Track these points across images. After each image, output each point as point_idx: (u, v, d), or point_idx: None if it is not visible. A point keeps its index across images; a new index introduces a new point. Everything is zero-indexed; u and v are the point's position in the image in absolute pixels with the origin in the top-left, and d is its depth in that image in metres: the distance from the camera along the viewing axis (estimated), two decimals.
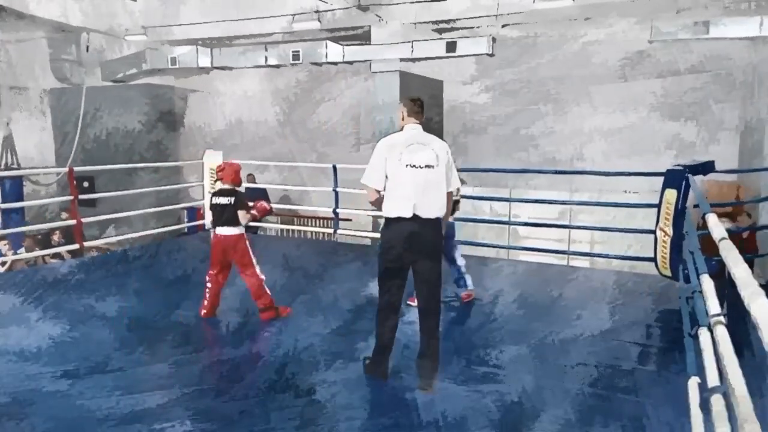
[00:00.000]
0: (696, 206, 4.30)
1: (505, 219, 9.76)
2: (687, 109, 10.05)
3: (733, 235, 3.53)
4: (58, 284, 6.17)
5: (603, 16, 9.26)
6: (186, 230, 9.98)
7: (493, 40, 9.67)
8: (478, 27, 10.04)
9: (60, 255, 8.60)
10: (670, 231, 4.93)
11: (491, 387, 3.66)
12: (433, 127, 10.68)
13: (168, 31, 11.59)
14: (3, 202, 10.74)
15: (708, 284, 2.70)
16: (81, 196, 7.36)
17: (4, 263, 8.41)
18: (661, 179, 5.24)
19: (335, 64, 11.07)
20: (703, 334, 2.59)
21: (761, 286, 1.59)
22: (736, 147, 9.46)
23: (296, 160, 12.00)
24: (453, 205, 3.97)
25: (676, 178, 4.94)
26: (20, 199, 11.11)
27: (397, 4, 9.76)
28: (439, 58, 10.22)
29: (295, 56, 10.84)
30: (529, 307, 5.41)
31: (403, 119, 3.63)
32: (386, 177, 3.46)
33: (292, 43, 11.05)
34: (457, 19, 9.85)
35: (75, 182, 7.25)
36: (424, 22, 10.02)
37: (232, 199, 4.88)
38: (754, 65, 9.15)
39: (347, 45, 10.64)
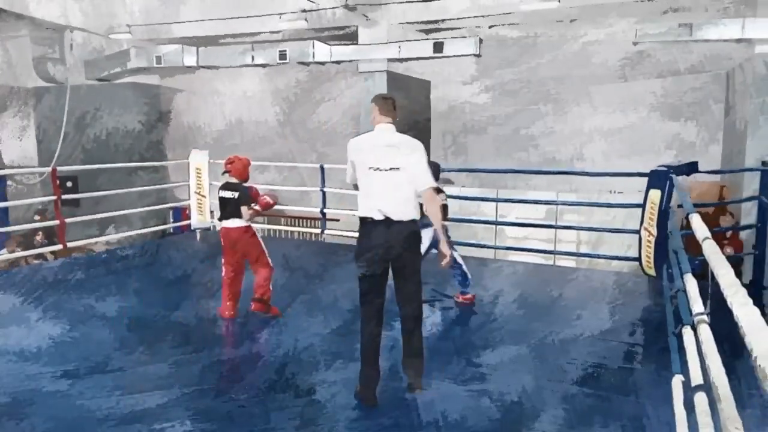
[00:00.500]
0: (680, 206, 4.32)
1: (500, 219, 9.80)
2: (687, 109, 10.04)
3: (717, 235, 3.55)
4: (58, 284, 6.18)
5: (590, 17, 9.28)
6: (171, 230, 9.93)
7: (480, 40, 9.68)
8: (464, 27, 10.05)
9: (43, 256, 8.53)
10: (654, 231, 4.97)
11: (492, 387, 3.66)
12: (420, 128, 10.76)
13: (153, 29, 11.52)
14: None
15: (691, 283, 2.71)
16: (64, 196, 7.29)
17: None
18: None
19: (322, 63, 11.05)
20: (687, 333, 2.61)
21: (744, 285, 1.60)
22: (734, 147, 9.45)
23: (296, 160, 11.98)
24: (442, 209, 3.78)
25: (660, 179, 4.98)
26: (3, 199, 11.02)
27: (385, 4, 9.77)
28: (427, 59, 10.24)
29: (282, 56, 10.77)
30: (529, 307, 5.41)
31: (374, 119, 3.51)
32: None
33: (279, 42, 11.04)
34: (444, 20, 9.86)
35: (58, 182, 7.16)
36: (412, 23, 10.04)
37: (236, 194, 4.90)
38: (736, 66, 9.21)
39: (335, 45, 10.65)
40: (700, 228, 2.58)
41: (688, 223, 2.92)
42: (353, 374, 3.64)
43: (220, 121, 13.43)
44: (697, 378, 2.20)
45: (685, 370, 2.48)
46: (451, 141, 11.45)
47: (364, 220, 3.36)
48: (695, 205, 3.41)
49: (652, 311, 5.23)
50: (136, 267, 7.14)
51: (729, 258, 2.02)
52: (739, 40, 8.15)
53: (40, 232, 9.38)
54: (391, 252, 3.31)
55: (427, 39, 10.19)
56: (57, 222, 7.00)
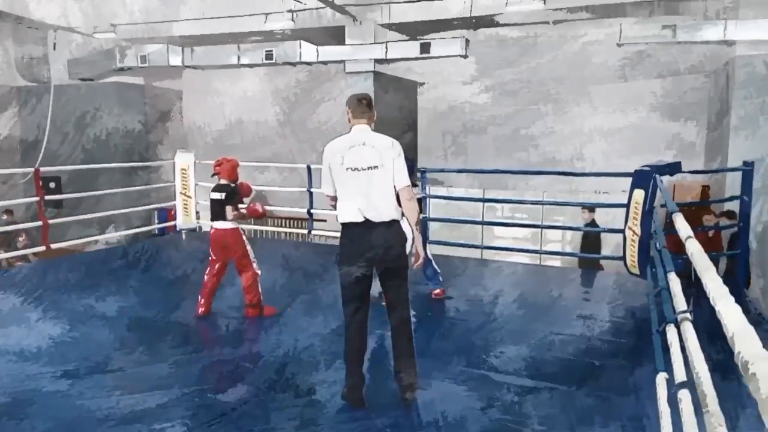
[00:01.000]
0: (663, 206, 4.34)
1: (491, 219, 9.89)
2: (687, 109, 10.05)
3: (699, 234, 3.57)
4: (58, 283, 6.17)
5: (573, 19, 9.31)
6: (156, 231, 9.91)
7: (467, 41, 9.71)
8: (453, 27, 10.07)
9: (26, 257, 8.44)
10: (638, 230, 5.00)
11: (492, 387, 3.66)
12: (406, 128, 10.80)
13: (138, 28, 11.49)
14: None
15: (675, 282, 2.72)
16: (47, 197, 7.26)
17: None
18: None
19: (309, 64, 11.07)
20: (671, 331, 2.62)
21: (725, 283, 1.63)
22: (736, 147, 9.48)
23: (296, 160, 11.98)
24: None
25: (643, 179, 5.01)
26: None
27: (371, 4, 9.79)
28: (413, 59, 10.26)
29: (269, 56, 10.80)
30: (529, 307, 5.42)
31: (349, 120, 3.46)
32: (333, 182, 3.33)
33: (265, 43, 11.04)
34: (431, 21, 9.89)
35: (41, 183, 7.12)
36: (399, 23, 10.06)
37: (224, 195, 4.94)
38: (719, 68, 9.27)
39: (321, 45, 10.68)
40: (683, 228, 2.60)
41: (672, 222, 2.94)
42: None
43: (220, 122, 13.43)
44: (680, 375, 2.22)
45: (669, 368, 2.49)
46: (451, 141, 11.46)
47: (345, 225, 3.32)
48: (678, 205, 3.43)
49: (650, 311, 5.23)
50: (122, 268, 7.10)
51: (711, 256, 2.06)
52: (720, 42, 8.23)
53: (23, 233, 9.32)
54: (376, 255, 3.26)
55: (415, 40, 10.22)
56: (40, 223, 6.91)
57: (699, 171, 8.18)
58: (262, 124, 13.16)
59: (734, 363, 1.09)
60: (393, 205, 3.31)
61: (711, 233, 6.92)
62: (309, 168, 8.14)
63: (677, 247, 2.74)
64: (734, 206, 5.98)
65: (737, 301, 1.42)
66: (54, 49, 12.08)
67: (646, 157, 6.76)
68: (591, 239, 8.39)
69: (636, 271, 5.24)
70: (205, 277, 5.08)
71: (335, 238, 9.15)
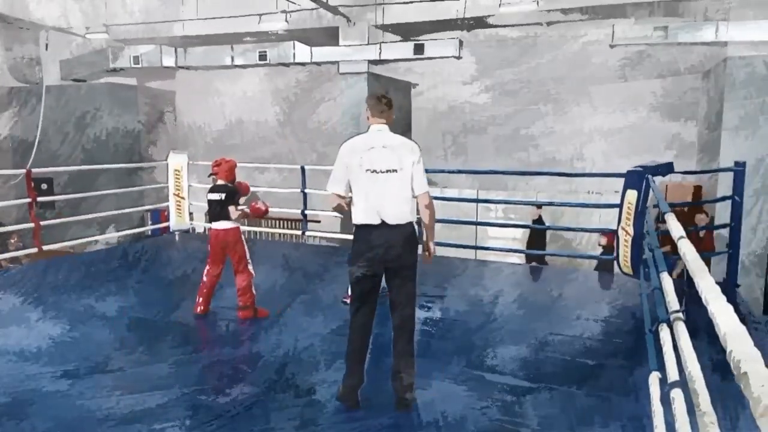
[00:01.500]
0: (656, 206, 4.36)
1: (488, 220, 9.91)
2: (687, 109, 10.06)
3: (691, 234, 3.60)
4: (56, 283, 6.18)
5: (567, 20, 9.33)
6: (150, 232, 9.91)
7: (461, 42, 9.73)
8: (448, 30, 10.09)
9: (18, 259, 8.38)
10: (631, 230, 5.01)
11: (492, 387, 3.66)
12: (402, 129, 10.79)
13: (132, 29, 11.49)
14: None
15: (667, 281, 2.73)
16: (39, 199, 7.21)
17: None
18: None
19: (303, 64, 11.09)
20: (663, 330, 2.63)
21: (718, 283, 1.64)
22: (734, 147, 9.50)
23: (296, 160, 11.99)
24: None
25: (636, 179, 5.02)
26: None
27: (366, 5, 9.81)
28: (407, 60, 10.29)
29: (262, 57, 10.81)
30: (528, 307, 5.42)
31: (368, 119, 3.41)
32: (349, 183, 3.30)
33: (260, 43, 11.05)
34: (426, 22, 9.91)
35: (33, 184, 7.07)
36: (393, 24, 10.09)
37: (223, 195, 4.95)
38: (712, 68, 9.30)
39: (316, 46, 10.70)
40: (675, 228, 2.61)
41: (664, 222, 2.95)
42: None
43: (220, 122, 13.44)
44: (673, 374, 2.23)
45: (662, 367, 2.50)
46: (451, 141, 11.47)
47: (360, 226, 3.30)
48: (671, 205, 3.44)
49: (644, 311, 5.23)
50: (120, 269, 7.10)
51: (702, 256, 2.08)
52: (715, 43, 8.26)
53: (15, 235, 9.29)
54: (389, 256, 3.26)
55: (409, 41, 10.25)
56: (32, 224, 6.86)
57: (690, 171, 8.21)
58: (262, 124, 13.18)
59: (727, 362, 1.10)
60: (409, 209, 3.32)
61: (702, 233, 6.94)
62: (303, 169, 8.14)
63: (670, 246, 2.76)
64: (726, 207, 5.97)
65: (729, 300, 1.43)
66: (46, 49, 12.06)
67: (645, 158, 6.79)
68: (537, 236, 9.11)
69: (629, 271, 5.25)
70: (204, 277, 5.08)
71: (329, 239, 9.18)
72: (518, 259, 9.63)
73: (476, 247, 8.59)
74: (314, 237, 9.01)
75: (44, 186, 11.78)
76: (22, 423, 3.20)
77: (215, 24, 10.69)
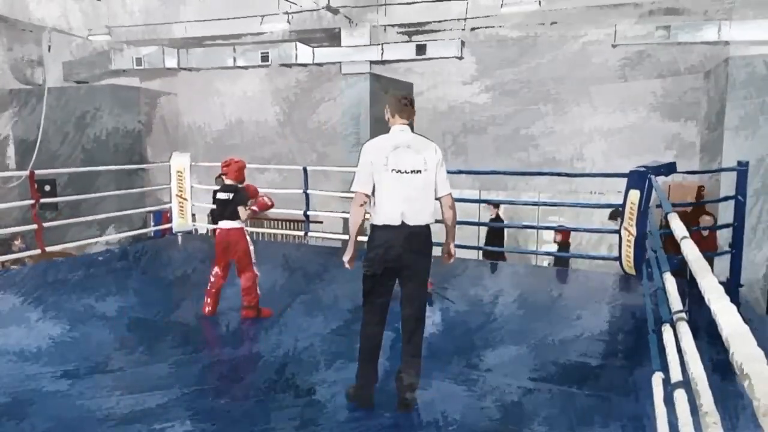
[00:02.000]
0: (659, 206, 4.35)
1: (491, 222, 9.90)
2: (687, 109, 10.06)
3: (694, 234, 3.59)
4: (57, 284, 6.18)
5: (569, 20, 9.32)
6: (152, 234, 9.90)
7: (462, 43, 9.74)
8: (450, 29, 10.08)
9: (21, 260, 8.38)
10: (634, 230, 5.01)
11: (492, 387, 3.66)
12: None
13: (134, 31, 11.48)
14: None
15: (670, 282, 2.72)
16: (42, 200, 7.20)
17: None
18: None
19: (305, 65, 11.09)
20: (666, 331, 2.63)
21: (721, 283, 1.64)
22: (734, 147, 9.51)
23: (296, 160, 12.00)
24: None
25: (639, 179, 5.02)
26: None
27: (368, 6, 9.82)
28: (409, 61, 10.31)
29: (264, 58, 10.82)
30: (529, 307, 5.42)
31: (389, 120, 3.40)
32: (373, 182, 3.26)
33: (261, 44, 11.04)
34: (427, 22, 9.92)
35: (36, 186, 7.08)
36: (394, 25, 10.10)
37: (231, 195, 4.96)
38: (713, 68, 9.30)
39: (317, 47, 10.70)
40: (678, 227, 2.61)
41: (667, 222, 2.95)
42: (353, 374, 3.63)
43: (220, 122, 13.44)
44: (676, 375, 2.23)
45: (665, 368, 2.50)
46: (451, 141, 11.46)
47: (379, 226, 3.28)
48: (674, 205, 3.44)
49: (647, 311, 5.24)
50: (121, 269, 7.11)
51: (705, 256, 2.08)
52: (717, 43, 8.26)
53: (19, 237, 9.29)
54: (405, 257, 3.25)
55: (411, 41, 10.25)
56: (35, 226, 6.85)
57: (693, 171, 8.23)
58: (262, 124, 13.17)
59: (730, 363, 1.10)
60: (431, 210, 3.32)
61: (706, 233, 6.95)
62: (305, 170, 8.14)
63: (673, 246, 2.75)
64: (729, 206, 5.97)
65: (732, 300, 1.43)
66: (49, 51, 12.05)
67: (646, 158, 6.77)
68: (495, 233, 9.27)
69: (632, 271, 5.25)
70: (211, 277, 5.07)
71: (331, 239, 9.19)
72: (518, 259, 9.67)
73: (477, 248, 8.60)
74: (317, 238, 8.99)
75: (47, 188, 11.77)
76: (22, 423, 3.19)
77: (217, 25, 10.69)
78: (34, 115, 12.11)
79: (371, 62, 10.33)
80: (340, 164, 9.86)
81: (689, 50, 9.38)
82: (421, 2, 9.47)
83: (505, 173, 9.03)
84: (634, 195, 5.05)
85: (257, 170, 10.45)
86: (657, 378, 2.76)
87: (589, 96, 10.65)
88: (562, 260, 8.39)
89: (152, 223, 11.30)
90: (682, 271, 4.09)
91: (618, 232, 5.45)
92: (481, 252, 8.45)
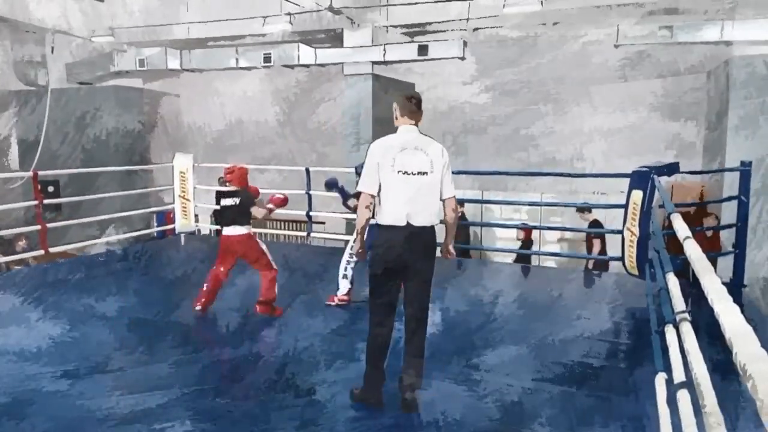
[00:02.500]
0: (661, 206, 4.36)
1: (493, 221, 9.95)
2: (687, 109, 10.05)
3: (698, 235, 3.59)
4: (58, 284, 6.18)
5: (570, 20, 9.32)
6: (155, 234, 9.91)
7: (465, 43, 9.74)
8: (451, 30, 10.07)
9: (25, 261, 8.33)
10: (636, 231, 5.01)
11: (492, 387, 3.66)
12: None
13: (137, 32, 11.47)
14: None
15: (673, 282, 2.72)
16: (46, 201, 7.21)
17: None
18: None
19: (307, 66, 11.09)
20: (670, 331, 2.63)
21: (724, 283, 1.64)
22: (734, 147, 9.52)
23: (296, 160, 12.00)
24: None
25: (641, 180, 5.02)
26: None
27: (370, 7, 9.82)
28: (411, 61, 10.31)
29: (267, 59, 10.82)
30: (528, 307, 5.42)
31: (396, 119, 3.39)
32: (379, 182, 3.26)
33: (263, 45, 11.04)
34: (429, 23, 9.91)
35: (39, 186, 7.07)
36: (396, 25, 10.10)
37: (238, 200, 4.96)
38: (713, 69, 9.30)
39: (319, 47, 10.70)
40: (681, 228, 2.61)
41: (670, 223, 2.95)
42: (353, 374, 3.64)
43: (220, 122, 13.43)
44: (679, 375, 2.23)
45: (668, 368, 2.50)
46: (451, 141, 11.45)
47: (385, 227, 3.28)
48: (676, 205, 3.44)
49: (649, 312, 5.23)
50: (122, 270, 7.11)
51: (709, 256, 2.08)
52: (719, 42, 8.26)
53: (24, 238, 9.29)
54: (410, 257, 3.26)
55: (413, 42, 10.25)
56: (38, 227, 6.85)
57: (696, 171, 8.24)
58: (262, 124, 13.17)
59: (733, 363, 1.10)
60: (436, 212, 3.33)
61: (710, 234, 6.96)
62: (308, 170, 8.14)
63: (676, 247, 2.75)
64: (732, 206, 5.98)
65: (735, 300, 1.43)
66: (52, 52, 12.05)
67: (646, 158, 6.78)
68: (460, 233, 9.26)
69: (635, 271, 5.26)
70: (211, 274, 5.06)
71: (334, 240, 9.20)
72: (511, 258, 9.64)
73: (477, 248, 8.61)
74: (319, 238, 8.99)
75: (51, 188, 11.78)
76: (22, 423, 3.19)
77: (219, 26, 10.69)
78: (36, 116, 12.12)
79: (373, 63, 10.32)
80: (340, 164, 9.86)
81: (689, 50, 9.37)
82: (423, 2, 9.47)
83: (505, 173, 9.04)
84: (637, 195, 5.06)
85: (257, 170, 10.48)
86: (660, 378, 2.76)
87: (589, 96, 10.64)
88: (523, 257, 8.53)
89: (155, 224, 11.30)
90: (684, 272, 4.10)
91: (621, 232, 5.45)
92: (480, 253, 8.49)
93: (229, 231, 5.00)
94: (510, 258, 9.27)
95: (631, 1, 8.43)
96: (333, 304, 5.32)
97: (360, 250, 3.44)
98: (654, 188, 4.84)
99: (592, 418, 3.28)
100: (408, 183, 3.22)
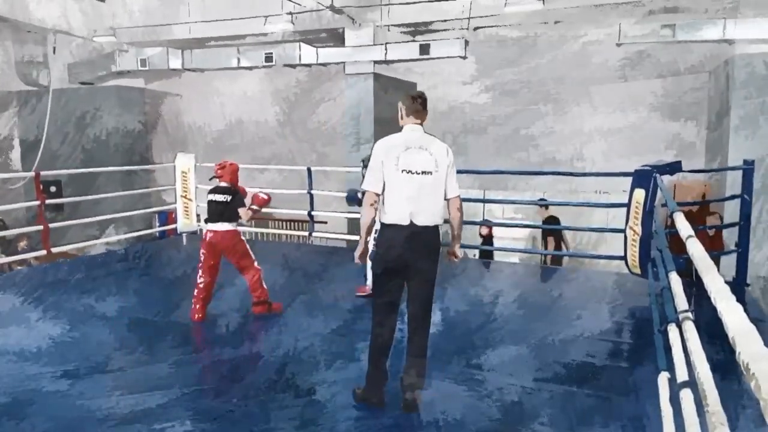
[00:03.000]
0: (664, 205, 4.35)
1: (494, 220, 9.95)
2: (687, 109, 10.05)
3: (700, 233, 3.59)
4: (58, 284, 6.18)
5: (572, 19, 9.31)
6: (157, 234, 9.90)
7: (467, 42, 9.74)
8: (452, 29, 10.06)
9: (27, 261, 8.31)
10: (639, 230, 5.00)
11: (492, 387, 3.66)
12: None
13: (138, 31, 11.46)
14: None
15: (676, 281, 2.72)
16: (48, 201, 7.18)
17: None
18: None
19: (309, 66, 11.09)
20: (672, 330, 2.63)
21: (727, 282, 1.63)
22: (734, 147, 9.51)
23: (296, 160, 12.00)
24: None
25: (644, 179, 5.01)
26: None
27: (371, 6, 9.81)
28: (412, 61, 10.31)
29: (268, 58, 10.82)
30: (529, 307, 5.42)
31: (402, 119, 3.38)
32: (384, 181, 3.25)
33: (265, 45, 11.04)
34: (431, 22, 9.91)
35: (42, 187, 7.07)
36: (397, 25, 10.09)
37: (229, 198, 4.95)
38: (714, 68, 9.29)
39: (320, 47, 10.70)
40: (684, 227, 2.61)
41: (673, 221, 2.94)
42: (353, 374, 3.64)
43: (220, 122, 13.43)
44: (682, 375, 2.23)
45: (671, 367, 2.50)
46: (451, 141, 11.39)
47: (388, 226, 3.28)
48: (679, 204, 3.44)
49: (651, 311, 5.23)
50: (122, 270, 7.11)
51: (712, 255, 2.08)
52: (720, 41, 8.25)
53: (24, 238, 9.27)
54: (413, 257, 3.25)
55: (414, 41, 10.24)
56: (41, 227, 6.83)
57: (699, 170, 8.24)
58: (262, 124, 13.16)
59: (736, 362, 1.10)
60: (440, 212, 3.33)
61: (712, 233, 6.95)
62: (309, 170, 8.14)
63: (678, 246, 2.74)
64: (735, 205, 5.98)
65: (738, 299, 1.42)
66: (54, 52, 12.05)
67: (646, 157, 6.77)
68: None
69: (637, 270, 5.25)
70: (200, 280, 4.97)
71: (335, 239, 9.19)
72: (518, 258, 9.66)
73: (477, 247, 8.60)
74: (321, 238, 8.99)
75: (53, 188, 11.77)
76: (22, 423, 3.19)
77: (220, 26, 10.68)
78: (37, 116, 12.13)
79: (375, 62, 10.32)
80: (340, 164, 9.86)
81: (689, 50, 9.36)
82: (425, 2, 9.46)
83: (505, 173, 9.03)
84: (640, 194, 5.04)
85: (257, 170, 10.49)
86: (663, 378, 2.75)
87: (589, 96, 10.64)
88: (487, 254, 8.66)
89: (157, 224, 11.30)
90: (687, 271, 4.09)
91: (623, 231, 5.43)
92: (489, 253, 8.52)
93: (216, 227, 4.96)
94: (513, 258, 9.29)
95: (632, 0, 8.42)
96: (363, 294, 5.32)
97: (361, 252, 3.41)
98: (657, 187, 4.83)
99: (592, 418, 3.28)
100: (412, 182, 3.22)
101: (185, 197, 8.42)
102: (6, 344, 4.32)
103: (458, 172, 3.52)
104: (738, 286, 5.50)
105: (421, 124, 3.39)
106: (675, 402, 2.23)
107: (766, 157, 8.09)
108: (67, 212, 10.03)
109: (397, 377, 3.37)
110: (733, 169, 6.61)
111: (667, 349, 2.69)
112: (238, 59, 11.05)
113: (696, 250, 2.11)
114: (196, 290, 4.96)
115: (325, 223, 9.83)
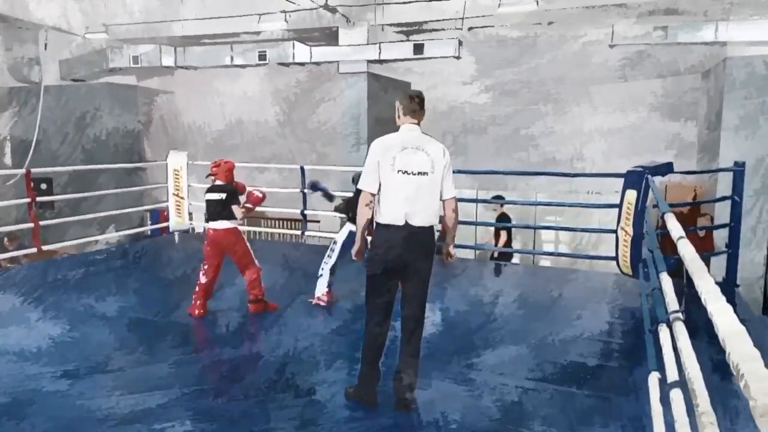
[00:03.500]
0: (655, 206, 4.37)
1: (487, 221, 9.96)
2: (687, 109, 10.05)
3: (691, 234, 3.60)
4: (57, 283, 6.18)
5: (567, 20, 9.31)
6: (149, 233, 9.90)
7: (460, 42, 9.75)
8: (447, 29, 10.06)
9: (17, 259, 8.28)
10: (630, 230, 5.01)
11: (492, 387, 3.66)
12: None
13: (131, 29, 11.46)
14: None
15: (667, 282, 2.73)
16: (38, 198, 7.18)
17: None
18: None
19: (302, 64, 11.09)
20: (663, 330, 2.64)
21: (717, 283, 1.64)
22: (734, 147, 9.53)
23: (296, 160, 11.97)
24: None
25: (636, 179, 5.02)
26: None
27: (365, 5, 9.82)
28: (406, 60, 10.31)
29: (262, 57, 10.81)
30: (528, 307, 5.42)
31: (399, 118, 3.38)
32: (380, 181, 3.24)
33: (258, 43, 11.04)
34: (425, 22, 9.91)
35: (32, 184, 7.06)
36: (392, 24, 10.10)
37: (224, 195, 4.97)
38: (709, 69, 9.30)
39: (315, 46, 10.70)
40: (675, 228, 2.62)
41: (664, 222, 2.95)
42: (353, 374, 3.65)
43: (220, 122, 13.43)
44: (672, 374, 2.24)
45: (661, 367, 2.51)
46: (451, 141, 11.45)
47: (383, 226, 3.27)
48: (671, 205, 3.45)
49: (644, 311, 5.24)
50: (120, 269, 7.12)
51: (702, 256, 2.09)
52: (714, 43, 8.27)
53: (14, 240, 9.23)
54: (408, 257, 3.25)
55: (408, 41, 10.25)
56: (31, 225, 6.83)
57: (689, 171, 8.23)
58: (261, 124, 13.16)
59: (726, 363, 1.10)
60: (436, 212, 3.32)
61: (703, 234, 6.98)
62: (302, 169, 8.15)
63: (670, 247, 2.76)
64: (726, 206, 5.98)
65: (728, 300, 1.43)
66: (45, 49, 12.03)
67: (646, 158, 6.78)
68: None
69: (629, 271, 5.25)
70: (202, 278, 5.03)
71: (328, 238, 9.21)
72: (517, 259, 9.66)
73: (477, 247, 8.61)
74: (314, 237, 9.00)
75: (44, 186, 11.76)
76: (22, 423, 3.20)
77: (215, 24, 10.68)
78: (29, 113, 12.11)
79: (369, 61, 10.32)
80: (340, 164, 9.86)
81: (689, 50, 9.37)
82: (419, 1, 9.46)
83: (504, 173, 9.04)
84: (631, 195, 5.06)
85: (257, 170, 10.50)
86: (653, 378, 2.77)
87: (589, 96, 10.64)
88: (505, 255, 8.70)
89: (149, 222, 11.27)
90: (678, 271, 4.10)
91: (615, 232, 5.45)
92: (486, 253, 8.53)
93: (216, 225, 5.00)
94: (514, 258, 9.29)
95: (630, 1, 8.43)
96: (314, 302, 5.33)
97: (358, 249, 3.43)
98: (648, 188, 4.84)
99: (591, 418, 3.29)
100: (408, 183, 3.22)
101: (177, 195, 8.39)
102: (6, 344, 4.32)
103: (456, 172, 3.53)
104: (728, 287, 5.51)
105: (418, 123, 3.38)
106: (665, 402, 2.24)
107: (765, 157, 8.10)
108: (67, 213, 10.02)
109: (389, 377, 3.37)
110: (723, 170, 6.62)
111: (658, 349, 2.70)
112: (232, 57, 11.03)
113: (687, 251, 2.12)
114: (197, 286, 5.02)
115: (318, 222, 9.85)
